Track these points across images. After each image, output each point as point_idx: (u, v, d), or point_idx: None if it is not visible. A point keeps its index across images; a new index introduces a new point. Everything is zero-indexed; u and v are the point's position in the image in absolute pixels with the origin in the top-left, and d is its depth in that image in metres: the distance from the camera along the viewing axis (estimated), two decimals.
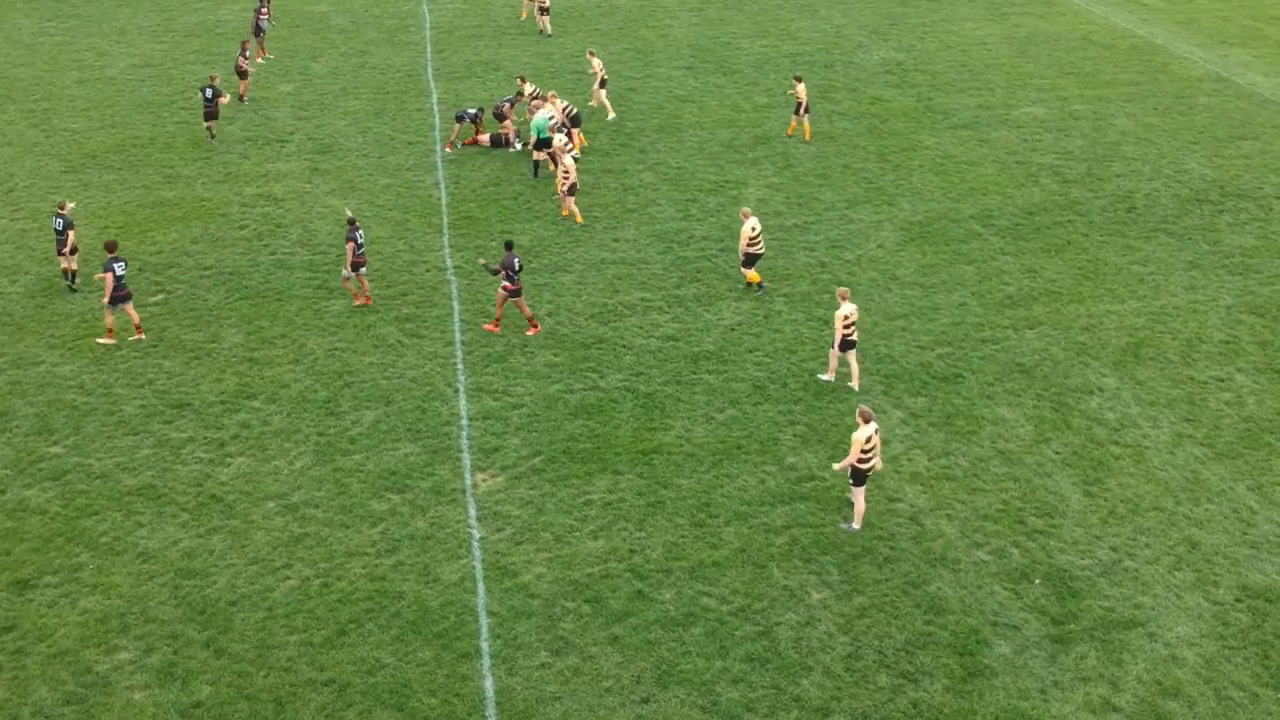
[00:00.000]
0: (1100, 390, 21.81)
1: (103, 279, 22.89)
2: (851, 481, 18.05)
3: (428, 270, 26.13)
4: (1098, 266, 26.33)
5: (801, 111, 32.35)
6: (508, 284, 22.96)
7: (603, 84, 34.39)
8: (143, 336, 23.07)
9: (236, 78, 35.61)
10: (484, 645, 16.09)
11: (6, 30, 42.83)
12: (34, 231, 27.85)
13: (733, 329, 23.82)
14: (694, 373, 22.31)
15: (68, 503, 18.83)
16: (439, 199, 29.47)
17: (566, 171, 27.68)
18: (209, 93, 31.83)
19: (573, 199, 28.04)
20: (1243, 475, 19.55)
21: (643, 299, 24.91)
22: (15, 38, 42.04)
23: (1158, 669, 15.75)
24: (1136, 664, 15.82)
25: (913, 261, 26.58)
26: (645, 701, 15.23)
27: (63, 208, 24.86)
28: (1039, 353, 23.01)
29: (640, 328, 23.79)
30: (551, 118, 29.97)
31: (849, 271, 26.04)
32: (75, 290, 25.01)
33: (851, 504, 18.35)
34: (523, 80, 33.10)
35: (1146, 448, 20.22)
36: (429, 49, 41.15)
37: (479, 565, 17.51)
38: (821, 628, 16.42)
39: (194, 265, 26.30)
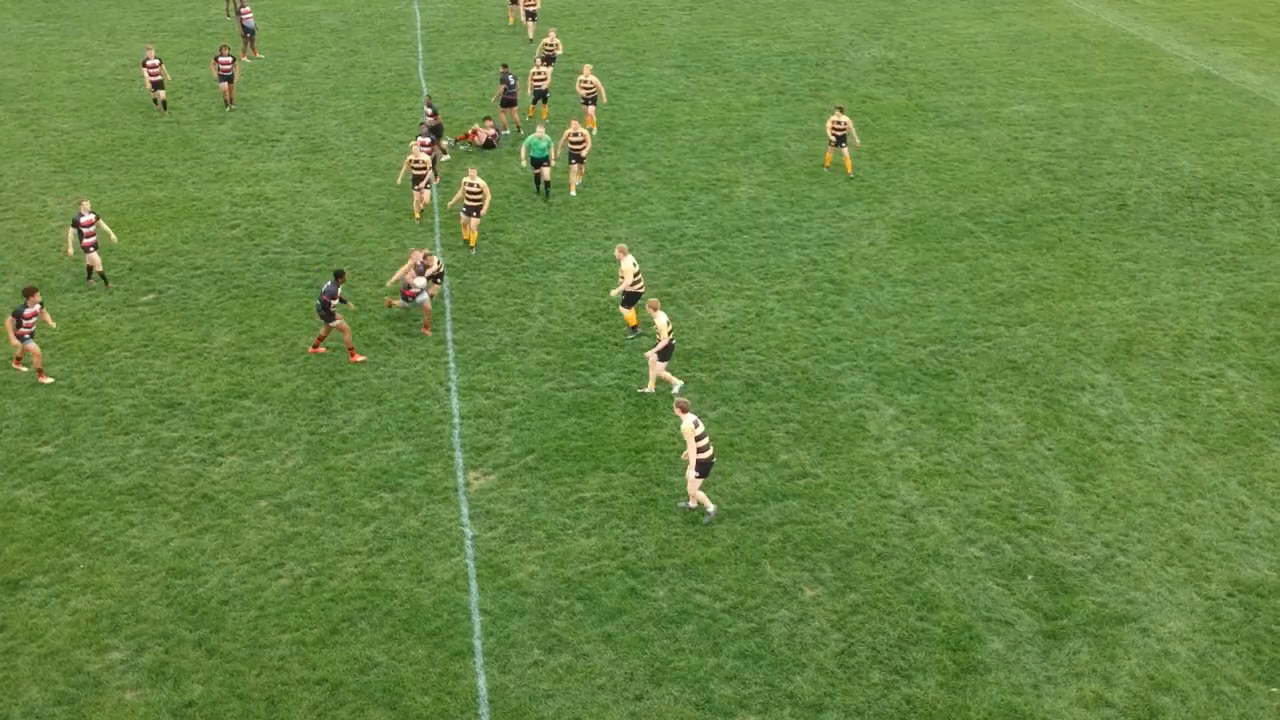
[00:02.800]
0: (1092, 387, 21.84)
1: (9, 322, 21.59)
2: (697, 473, 17.90)
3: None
4: (1089, 263, 26.37)
5: (843, 144, 30.17)
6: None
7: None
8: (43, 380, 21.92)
9: (219, 80, 35.05)
10: (477, 643, 16.05)
11: None
12: (23, 232, 27.75)
13: (725, 327, 23.81)
14: (686, 370, 22.27)
15: (58, 502, 18.76)
16: (431, 197, 29.41)
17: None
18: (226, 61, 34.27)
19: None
20: (1234, 471, 19.58)
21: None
22: (4, 38, 41.91)
23: (1150, 664, 15.76)
24: (1129, 659, 15.83)
25: (904, 259, 26.59)
26: (639, 699, 15.21)
27: (83, 206, 24.76)
28: (1031, 350, 23.04)
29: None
30: (578, 140, 29.30)
31: (840, 269, 26.06)
32: (107, 287, 25.07)
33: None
34: (505, 67, 33.49)
35: (1138, 444, 20.25)
36: (420, 48, 41.10)
37: (471, 563, 17.48)
38: (814, 624, 16.41)
39: (185, 265, 26.23)
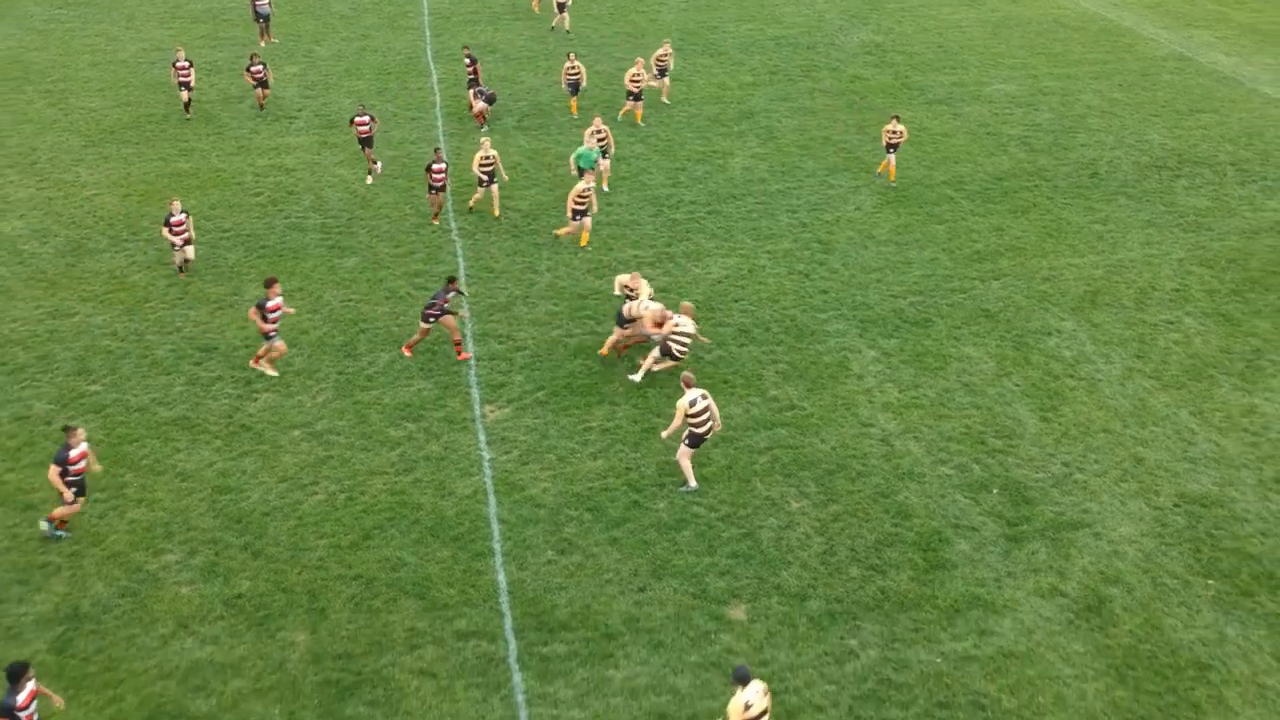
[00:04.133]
0: (1059, 332, 23.64)
1: None
2: (687, 443, 18.78)
3: (432, 232, 27.82)
4: (1060, 225, 28.16)
5: (893, 151, 30.01)
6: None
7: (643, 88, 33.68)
8: None
9: (254, 87, 35.26)
10: (496, 546, 17.83)
11: (19, 17, 44.38)
12: (60, 199, 29.46)
13: (719, 281, 25.58)
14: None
15: (109, 431, 20.52)
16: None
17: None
18: (257, 68, 34.56)
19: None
20: (1186, 403, 21.38)
21: (635, 255, 26.66)
22: (28, 24, 43.60)
23: (1101, 562, 17.55)
24: (1082, 558, 17.63)
25: (888, 222, 28.38)
26: (642, 590, 16.99)
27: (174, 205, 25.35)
28: (1003, 300, 24.83)
29: None
30: (601, 135, 29.72)
31: (828, 231, 27.84)
32: (180, 276, 25.59)
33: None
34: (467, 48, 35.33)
35: (1099, 380, 22.05)
36: (427, 33, 42.83)
37: (489, 481, 19.25)
38: (799, 530, 18.20)
39: (213, 228, 27.97)
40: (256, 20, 41.45)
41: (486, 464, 19.70)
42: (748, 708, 13.16)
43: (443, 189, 27.85)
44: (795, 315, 24.17)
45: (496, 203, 28.32)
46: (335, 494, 18.98)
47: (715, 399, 21.30)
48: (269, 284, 21.93)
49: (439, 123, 34.30)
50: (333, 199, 29.52)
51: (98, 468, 18.43)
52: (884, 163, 30.45)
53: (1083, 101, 36.05)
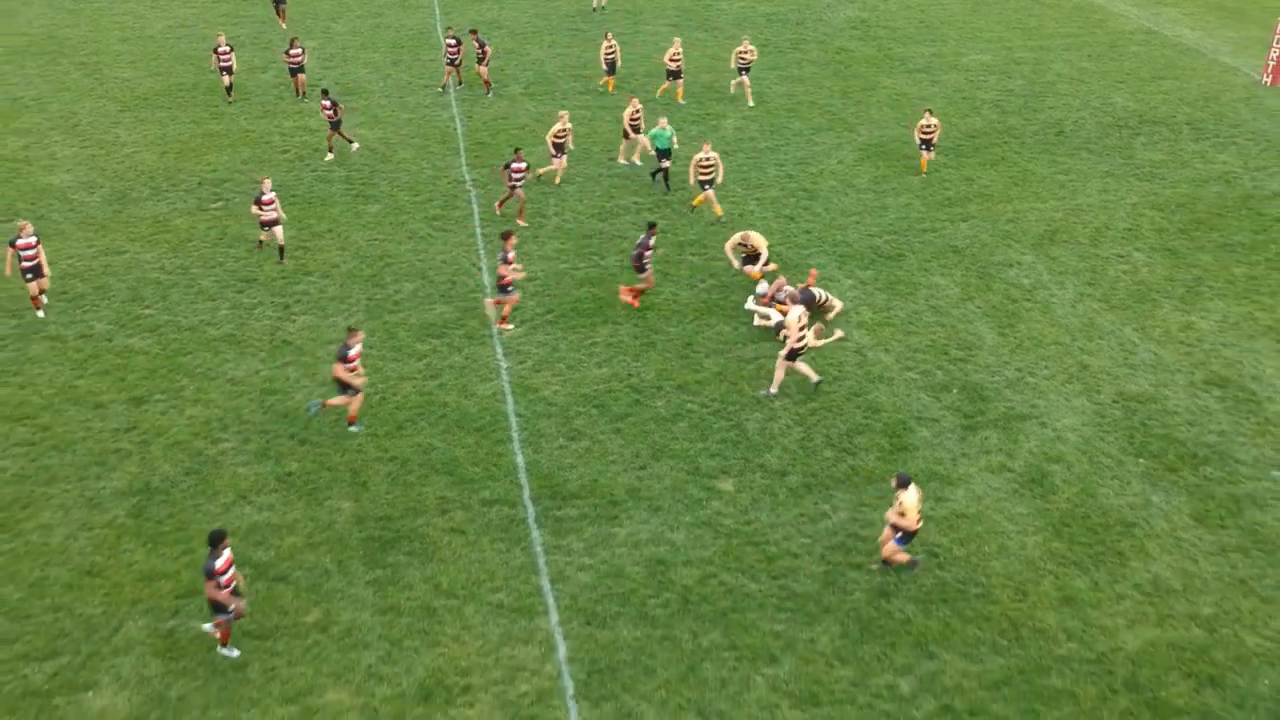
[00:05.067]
0: (1019, 264, 26.06)
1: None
2: (785, 356, 20.99)
3: (449, 183, 30.23)
4: (1026, 176, 30.59)
5: (929, 148, 30.42)
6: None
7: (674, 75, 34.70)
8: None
9: (291, 73, 36.31)
10: (514, 434, 20.25)
11: None
12: (102, 156, 31.82)
13: (712, 224, 27.98)
14: (679, 255, 26.46)
15: (165, 346, 22.93)
16: (455, 129, 33.61)
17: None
18: (296, 52, 35.46)
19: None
20: (1130, 321, 23.81)
21: (635, 202, 29.08)
22: (58, 3, 45.95)
23: (1045, 445, 19.98)
24: (1029, 442, 20.06)
25: (867, 174, 30.80)
26: (642, 468, 19.41)
27: (263, 183, 25.80)
28: (970, 238, 27.26)
29: (634, 223, 27.93)
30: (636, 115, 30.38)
31: (812, 181, 30.26)
32: (281, 262, 26.03)
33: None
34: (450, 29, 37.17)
35: (1053, 303, 24.48)
36: (437, 11, 45.20)
37: (507, 384, 21.67)
38: (781, 422, 20.61)
39: (246, 180, 30.35)
40: (275, 3, 43.73)
41: (504, 371, 22.12)
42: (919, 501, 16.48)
43: (520, 187, 27.64)
44: (781, 251, 26.55)
45: (560, 174, 30.01)
46: (370, 395, 21.36)
47: (712, 320, 23.77)
48: (505, 236, 23.07)
49: (451, 90, 36.69)
50: (356, 159, 31.90)
51: (363, 380, 20.34)
52: (923, 159, 30.47)
53: (1053, 70, 38.49)
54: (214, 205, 28.94)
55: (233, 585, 15.61)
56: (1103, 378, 21.90)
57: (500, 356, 22.61)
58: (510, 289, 23.31)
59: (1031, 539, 17.88)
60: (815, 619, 16.38)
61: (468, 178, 30.50)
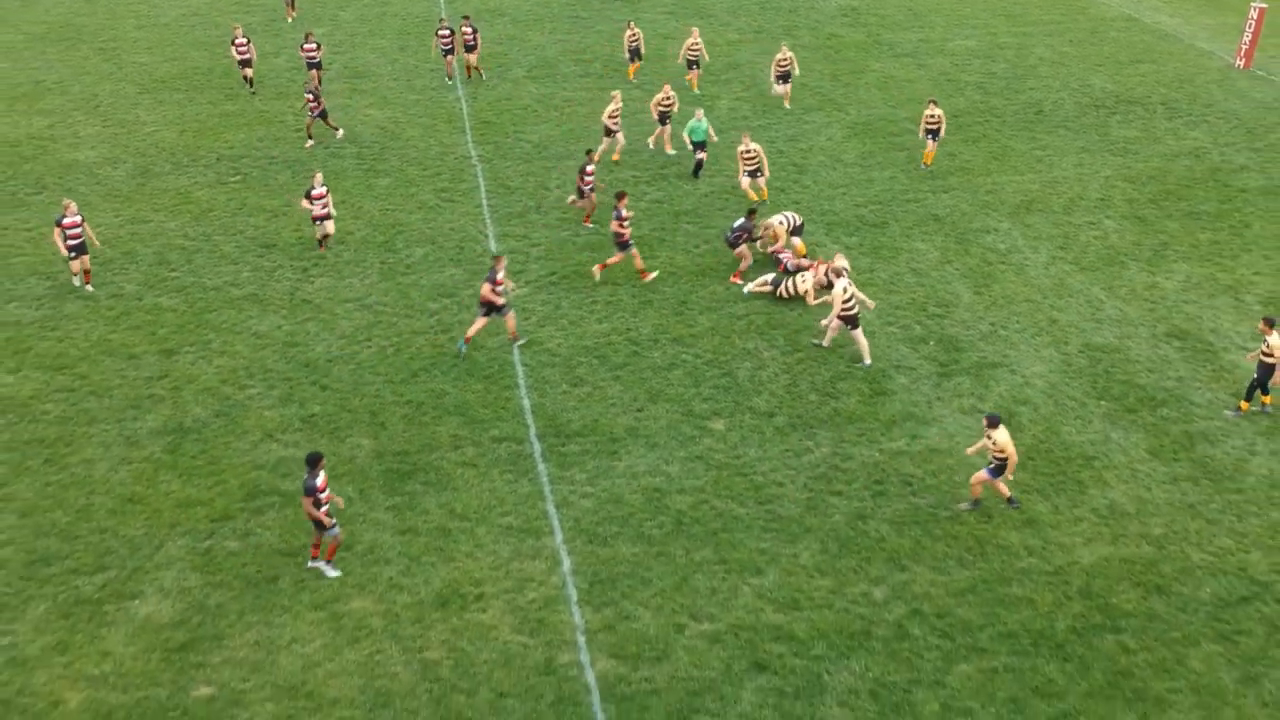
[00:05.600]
0: (996, 230, 27.57)
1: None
2: (849, 327, 22.22)
3: (455, 159, 31.74)
4: (1006, 151, 32.09)
5: (934, 137, 30.41)
6: None
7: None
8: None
9: (307, 67, 36.54)
10: (521, 381, 21.74)
11: None
12: (124, 135, 33.32)
13: (706, 195, 29.48)
14: (675, 224, 27.95)
15: (191, 304, 24.43)
16: (461, 109, 35.11)
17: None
18: (311, 47, 35.55)
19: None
20: (1098, 282, 25.31)
21: (633, 176, 30.57)
22: None
23: (1014, 390, 21.48)
24: (999, 387, 21.56)
25: (855, 149, 32.31)
26: (640, 411, 20.91)
27: (314, 180, 26.15)
28: (950, 207, 28.76)
29: (632, 195, 29.40)
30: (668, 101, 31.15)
31: (802, 156, 31.76)
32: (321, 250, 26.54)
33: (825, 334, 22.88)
34: (442, 20, 38.53)
35: (1026, 265, 25.98)
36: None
37: None
38: (770, 370, 22.11)
39: (262, 156, 31.85)
40: None
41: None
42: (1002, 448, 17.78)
43: (593, 192, 27.62)
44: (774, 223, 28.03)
45: (619, 151, 31.16)
46: (385, 348, 22.87)
47: (706, 282, 25.26)
48: (619, 196, 24.31)
49: (457, 74, 38.16)
50: (365, 133, 33.42)
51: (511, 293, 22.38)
52: (927, 150, 30.76)
53: (1035, 54, 40.01)
54: (233, 179, 30.43)
55: (329, 504, 16.96)
56: (1070, 331, 23.40)
57: None
58: (628, 244, 24.78)
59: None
60: (798, 538, 17.87)
61: (474, 153, 32.00)
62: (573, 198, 28.34)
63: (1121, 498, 18.73)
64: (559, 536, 17.92)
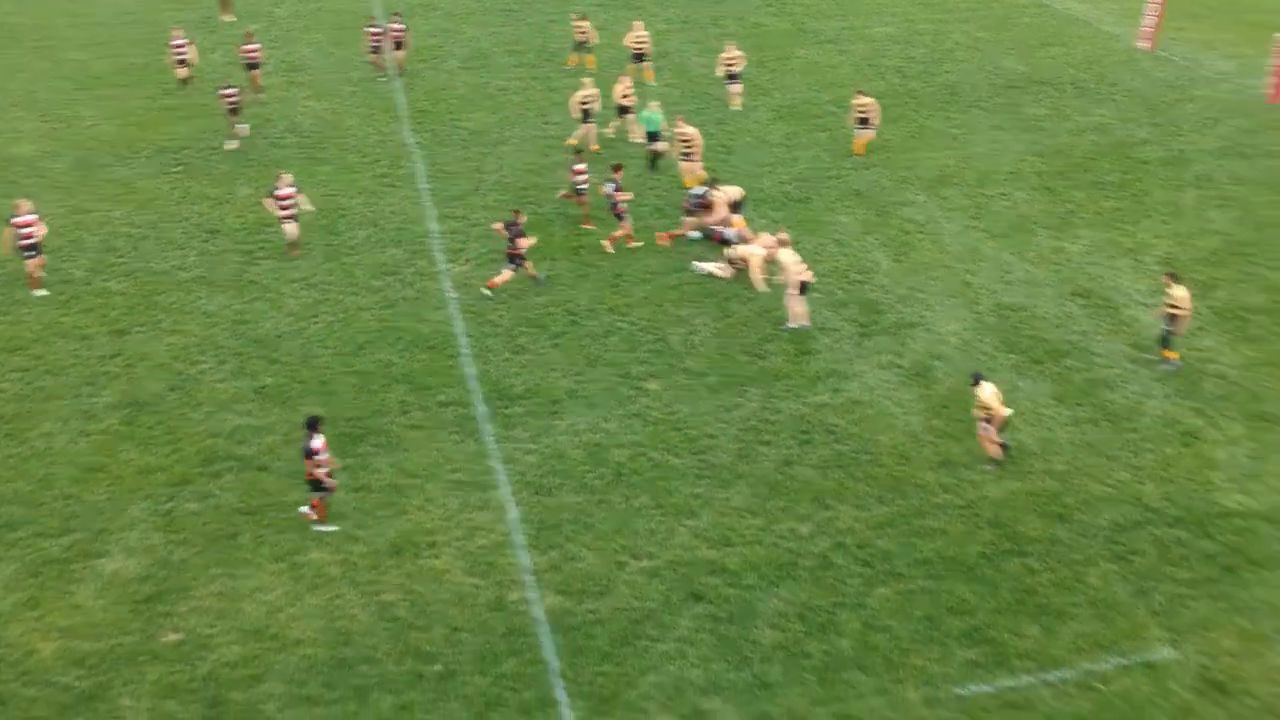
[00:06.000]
0: (913, 203, 29.03)
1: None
2: (798, 291, 23.31)
3: (394, 146, 32.62)
4: (923, 131, 33.62)
5: (866, 125, 31.36)
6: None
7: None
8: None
9: (247, 70, 36.28)
10: (464, 350, 22.76)
11: None
12: (63, 129, 33.76)
13: (638, 176, 30.62)
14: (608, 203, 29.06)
15: (141, 287, 25.14)
16: (398, 100, 35.98)
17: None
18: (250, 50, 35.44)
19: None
20: (1009, 248, 26.85)
21: (568, 159, 31.55)
22: None
23: (930, 346, 22.90)
24: (916, 344, 22.96)
25: (780, 131, 33.67)
26: (579, 375, 22.02)
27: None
28: (870, 183, 30.19)
29: (566, 177, 30.50)
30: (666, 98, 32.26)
31: (729, 138, 33.05)
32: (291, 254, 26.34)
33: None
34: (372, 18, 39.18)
35: (941, 234, 27.46)
36: None
37: (456, 311, 24.17)
38: (701, 335, 23.33)
39: (204, 146, 32.50)
40: None
41: (452, 300, 24.61)
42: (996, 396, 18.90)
43: (585, 191, 27.92)
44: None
45: (593, 137, 31.58)
46: (332, 323, 23.77)
47: (640, 256, 26.42)
48: (616, 169, 26.25)
49: (390, 69, 38.96)
50: (305, 124, 34.19)
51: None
52: (856, 140, 31.61)
53: (952, 39, 41.69)
54: (174, 169, 31.06)
55: (328, 466, 17.82)
56: (982, 293, 24.89)
57: (448, 288, 25.10)
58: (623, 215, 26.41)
59: (915, 418, 20.76)
60: (729, 483, 19.09)
61: (411, 141, 32.90)
62: (564, 192, 28.75)
63: (1028, 439, 20.18)
64: (505, 489, 18.98)
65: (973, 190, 29.76)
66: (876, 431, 20.38)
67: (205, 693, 15.29)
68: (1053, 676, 15.44)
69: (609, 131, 32.78)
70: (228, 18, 44.82)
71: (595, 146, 31.55)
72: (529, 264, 24.88)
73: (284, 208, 26.00)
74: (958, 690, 15.22)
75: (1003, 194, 29.57)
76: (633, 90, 32.66)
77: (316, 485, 17.89)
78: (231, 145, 32.24)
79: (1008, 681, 15.38)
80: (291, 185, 26.14)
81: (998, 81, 37.59)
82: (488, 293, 24.53)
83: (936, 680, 15.37)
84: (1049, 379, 21.93)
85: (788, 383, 21.77)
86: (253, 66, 35.83)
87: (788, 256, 23.40)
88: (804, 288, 23.27)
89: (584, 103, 31.53)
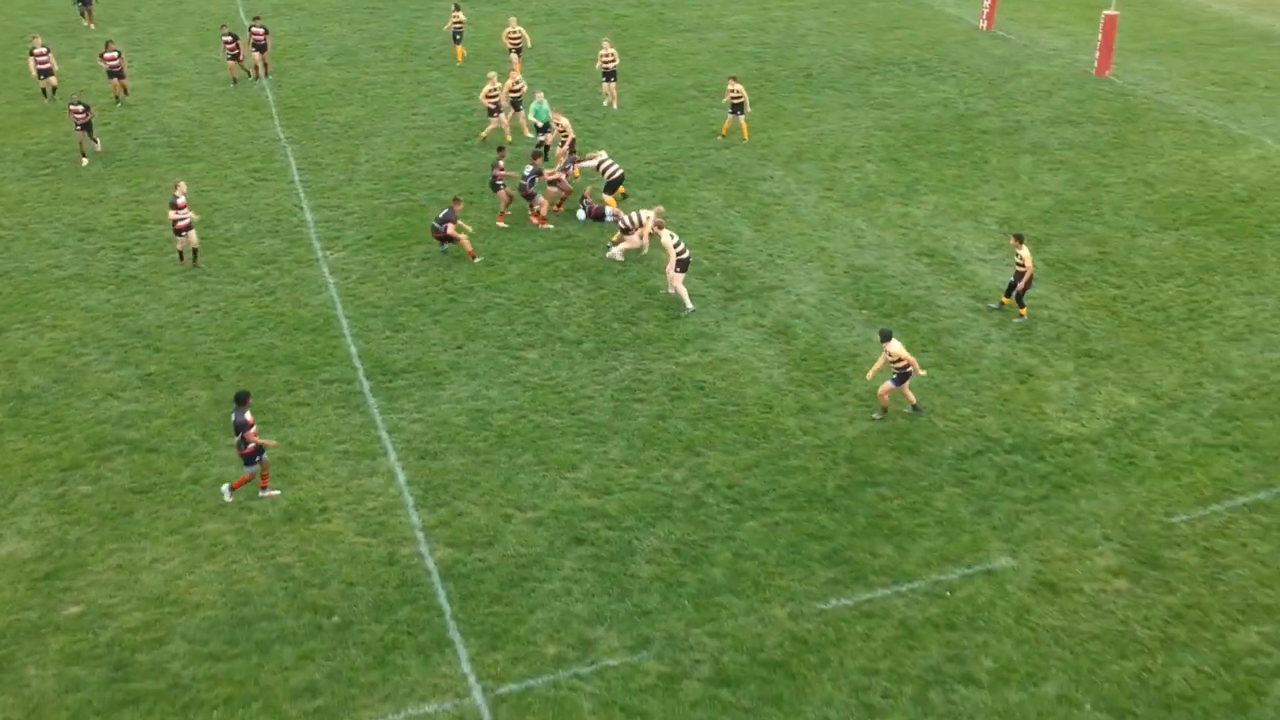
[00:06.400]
0: (772, 178, 30.63)
1: None
2: (678, 269, 24.20)
3: (265, 142, 33.05)
4: (779, 111, 35.31)
5: (738, 111, 32.69)
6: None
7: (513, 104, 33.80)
8: None
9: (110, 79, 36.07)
10: (346, 331, 23.52)
11: None
12: None
13: (510, 163, 31.57)
14: (482, 188, 29.99)
15: (16, 286, 25.26)
16: (266, 97, 36.32)
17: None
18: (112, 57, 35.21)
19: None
20: (860, 215, 28.60)
21: (439, 148, 32.53)
22: None
23: (789, 307, 24.43)
24: (777, 305, 24.47)
25: (644, 115, 35.01)
26: (460, 348, 22.97)
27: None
28: (731, 161, 31.72)
29: (438, 165, 31.39)
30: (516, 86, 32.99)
31: (596, 124, 34.26)
32: (196, 265, 26.06)
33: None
34: (225, 27, 39.88)
35: (798, 205, 29.09)
36: None
37: (336, 295, 24.89)
38: (576, 307, 24.48)
39: (71, 149, 32.46)
40: (83, 3, 44.71)
41: (331, 285, 25.32)
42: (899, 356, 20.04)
43: (504, 187, 28.23)
44: (574, 182, 30.42)
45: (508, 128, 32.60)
46: (213, 311, 24.28)
47: (514, 236, 27.44)
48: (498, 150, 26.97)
49: (257, 71, 39.24)
50: (174, 124, 34.35)
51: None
52: (726, 123, 32.96)
53: (804, 25, 43.60)
54: (43, 172, 31.02)
55: (256, 439, 18.42)
56: (836, 256, 26.55)
57: (327, 274, 25.80)
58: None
59: (777, 371, 22.23)
60: (607, 438, 20.28)
61: (282, 136, 33.36)
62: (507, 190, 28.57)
63: (879, 384, 21.79)
64: (392, 456, 19.86)
65: (826, 164, 31.50)
66: (742, 385, 21.78)
67: (110, 657, 15.88)
68: (905, 588, 16.98)
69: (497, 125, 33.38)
70: (90, 25, 44.46)
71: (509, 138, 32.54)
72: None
73: (180, 220, 25.48)
74: (820, 605, 16.65)
75: (854, 167, 31.36)
76: (522, 84, 33.61)
77: (250, 459, 18.53)
78: (85, 162, 31.44)
79: (865, 595, 16.86)
80: (184, 195, 25.63)
81: (848, 63, 39.54)
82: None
83: (801, 598, 16.78)
84: (898, 330, 23.51)
85: (659, 345, 23.05)
86: (115, 75, 35.51)
87: (667, 238, 24.45)
88: (686, 265, 24.38)
89: (490, 96, 32.15)
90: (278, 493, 18.83)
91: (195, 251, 26.07)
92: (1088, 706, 15.02)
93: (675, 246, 24.13)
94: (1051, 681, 15.37)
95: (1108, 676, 15.45)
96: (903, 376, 20.51)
